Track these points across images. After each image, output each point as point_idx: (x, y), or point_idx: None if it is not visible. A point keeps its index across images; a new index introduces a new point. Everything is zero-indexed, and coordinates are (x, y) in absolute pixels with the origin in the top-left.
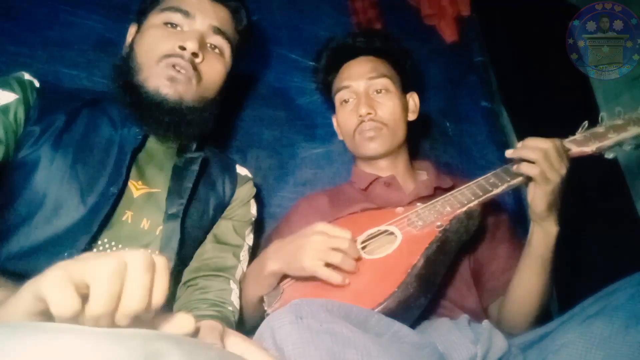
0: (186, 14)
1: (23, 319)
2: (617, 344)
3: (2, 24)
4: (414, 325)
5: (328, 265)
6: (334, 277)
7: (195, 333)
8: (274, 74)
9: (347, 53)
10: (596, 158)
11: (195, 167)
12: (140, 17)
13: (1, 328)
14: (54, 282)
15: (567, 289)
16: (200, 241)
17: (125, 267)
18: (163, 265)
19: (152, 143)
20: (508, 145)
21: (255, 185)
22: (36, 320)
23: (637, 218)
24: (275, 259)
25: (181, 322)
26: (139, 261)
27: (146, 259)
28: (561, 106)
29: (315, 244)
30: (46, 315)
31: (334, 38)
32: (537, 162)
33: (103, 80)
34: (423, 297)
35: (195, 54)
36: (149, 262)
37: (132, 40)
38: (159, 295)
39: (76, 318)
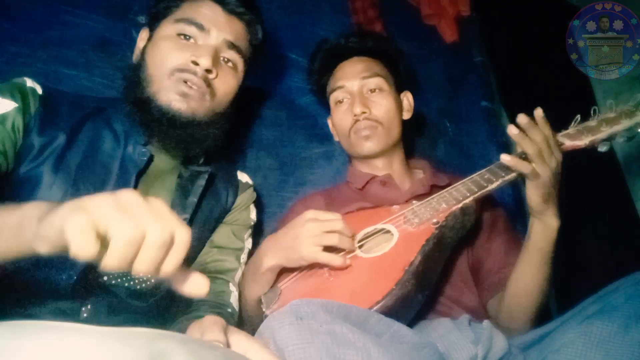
0: (201, 27)
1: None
2: (617, 344)
3: (2, 24)
4: (412, 324)
5: (326, 250)
6: (336, 259)
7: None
8: (274, 74)
9: (341, 54)
10: (594, 156)
11: (202, 182)
12: (152, 22)
13: (5, 327)
14: (78, 227)
15: (566, 288)
16: (200, 250)
17: (142, 238)
18: (183, 241)
19: (157, 160)
20: (508, 145)
21: (255, 185)
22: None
23: (637, 218)
24: (271, 254)
25: (197, 283)
26: (156, 236)
27: (163, 237)
28: (561, 106)
29: (309, 230)
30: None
31: (327, 39)
32: (531, 157)
33: (103, 81)
34: (421, 295)
35: (208, 70)
36: (164, 241)
37: (144, 48)
38: (169, 266)
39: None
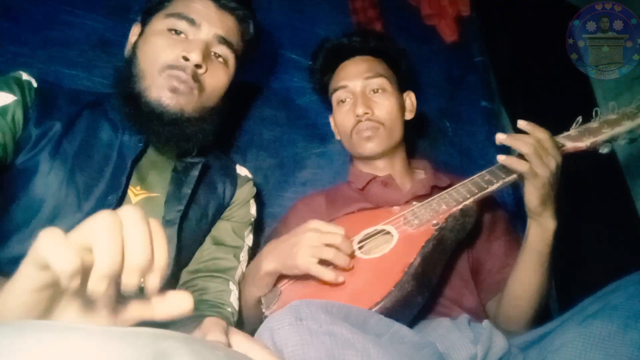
0: (192, 22)
1: (30, 295)
2: (617, 344)
3: (2, 24)
4: (412, 324)
5: (323, 262)
6: (327, 274)
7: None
8: (274, 74)
9: (343, 53)
10: (595, 156)
11: (195, 173)
12: (144, 17)
13: (7, 327)
14: (51, 240)
15: (566, 288)
16: (198, 245)
17: (121, 221)
18: (156, 225)
19: (152, 149)
20: (507, 145)
21: (255, 185)
22: (43, 296)
23: (637, 218)
24: (270, 258)
25: (180, 300)
26: (133, 214)
27: (139, 212)
28: (561, 106)
29: (308, 240)
30: (53, 287)
31: (329, 38)
32: (528, 156)
33: (103, 80)
34: (420, 296)
35: (198, 65)
36: (142, 216)
37: (136, 43)
38: (161, 251)
39: (83, 286)
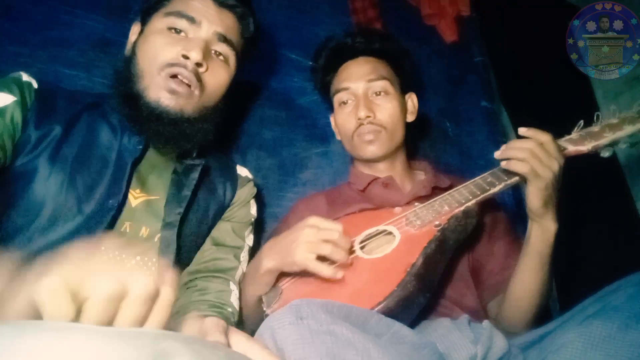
0: (191, 20)
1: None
2: (617, 344)
3: (2, 24)
4: (413, 324)
5: (321, 259)
6: (325, 270)
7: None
8: (274, 74)
9: (346, 53)
10: (595, 157)
11: (195, 175)
12: (144, 16)
13: (7, 327)
14: (50, 292)
15: (566, 288)
16: (199, 246)
17: (125, 294)
18: (166, 300)
19: (152, 151)
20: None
21: (256, 185)
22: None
23: (637, 218)
24: (270, 256)
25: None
26: (139, 292)
27: (147, 291)
28: (561, 106)
29: (305, 236)
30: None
31: (332, 37)
32: (526, 159)
33: (103, 81)
34: (422, 296)
35: (199, 64)
36: (149, 295)
37: (135, 42)
38: (153, 324)
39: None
